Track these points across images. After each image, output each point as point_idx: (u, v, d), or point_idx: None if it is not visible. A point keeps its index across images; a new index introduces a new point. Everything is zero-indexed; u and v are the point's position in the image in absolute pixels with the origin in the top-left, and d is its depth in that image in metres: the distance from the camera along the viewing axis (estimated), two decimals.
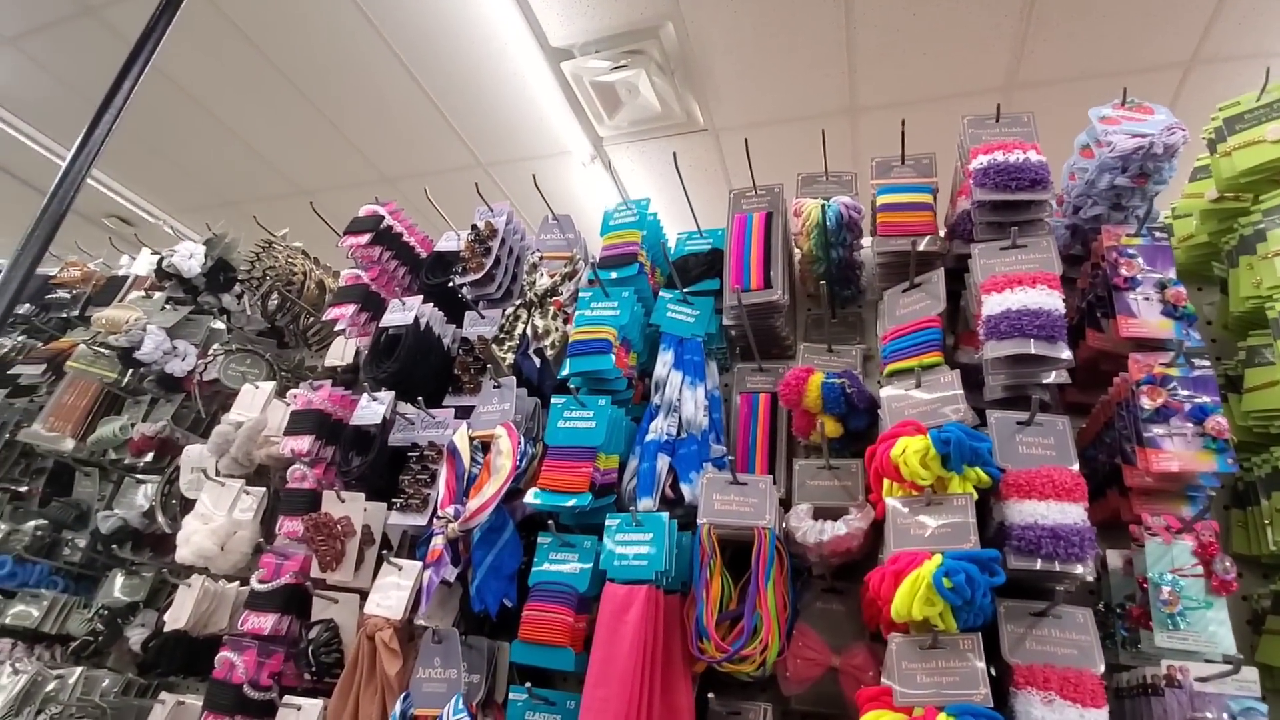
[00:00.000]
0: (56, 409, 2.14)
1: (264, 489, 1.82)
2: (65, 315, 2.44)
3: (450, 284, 1.86)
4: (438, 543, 1.41)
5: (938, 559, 1.09)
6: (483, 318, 1.84)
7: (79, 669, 1.82)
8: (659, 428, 1.52)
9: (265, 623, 1.54)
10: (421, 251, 2.08)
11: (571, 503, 1.37)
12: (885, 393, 1.32)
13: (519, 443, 1.50)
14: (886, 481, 1.27)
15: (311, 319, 2.25)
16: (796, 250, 1.70)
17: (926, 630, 1.14)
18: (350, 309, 1.83)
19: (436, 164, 5.12)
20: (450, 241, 2.03)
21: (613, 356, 1.54)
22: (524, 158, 4.82)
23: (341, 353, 2.18)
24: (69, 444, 2.10)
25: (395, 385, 1.72)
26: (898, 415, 1.27)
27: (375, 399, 1.70)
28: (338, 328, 1.88)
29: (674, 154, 1.86)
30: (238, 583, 1.77)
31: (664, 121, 4.26)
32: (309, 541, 1.53)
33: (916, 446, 1.15)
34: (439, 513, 1.45)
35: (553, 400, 1.53)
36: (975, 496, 1.16)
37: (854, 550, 1.35)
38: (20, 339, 2.43)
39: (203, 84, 4.23)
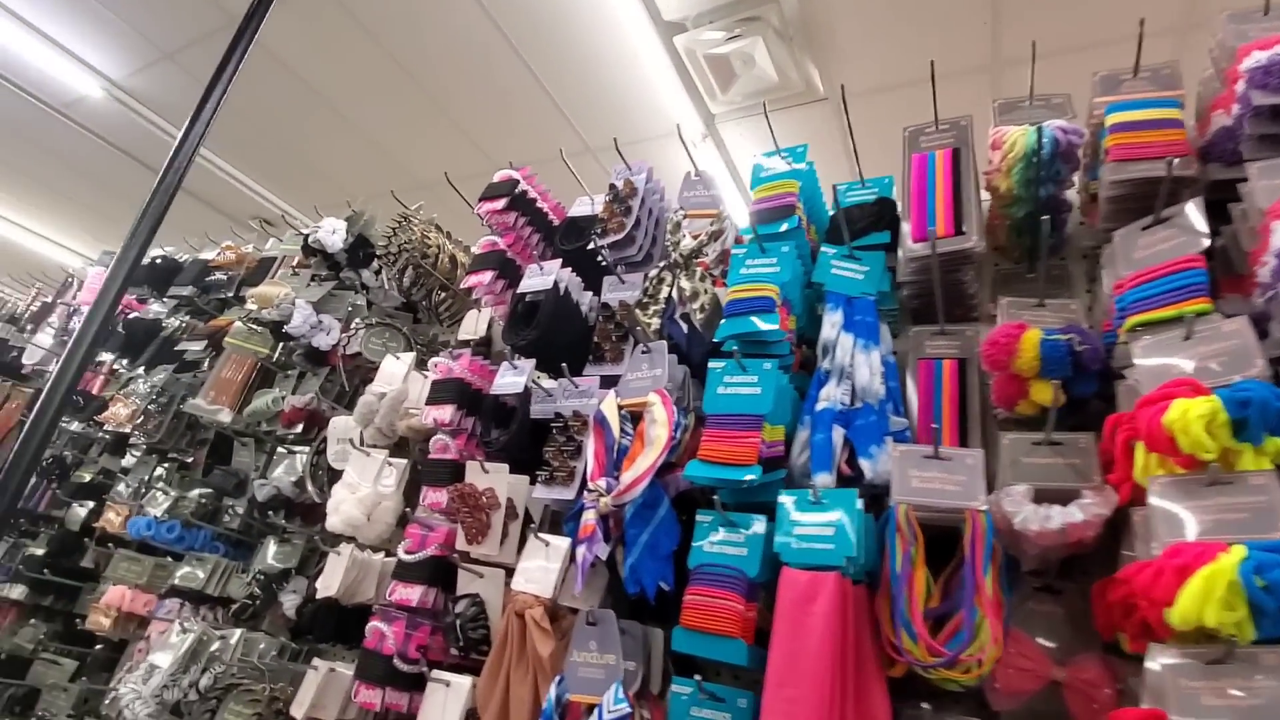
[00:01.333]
0: (216, 383, 2.25)
1: (405, 460, 1.80)
2: (223, 296, 2.57)
3: (589, 247, 1.75)
4: (589, 518, 1.30)
5: (1240, 551, 0.84)
6: (623, 282, 1.72)
7: (239, 631, 1.88)
8: (831, 396, 1.34)
9: (413, 594, 1.50)
10: (554, 218, 2.00)
11: (741, 476, 1.21)
12: (1140, 347, 1.07)
13: (674, 412, 1.37)
14: (1144, 457, 1.03)
15: (445, 293, 2.23)
16: (985, 193, 1.46)
17: (1207, 642, 0.90)
18: (487, 275, 1.77)
19: (547, 150, 5.13)
20: (584, 206, 1.93)
21: (777, 316, 1.38)
22: (634, 140, 4.72)
23: (475, 326, 2.14)
24: (227, 415, 2.20)
25: (535, 353, 1.64)
26: (1159, 375, 1.02)
27: (515, 368, 1.63)
28: (475, 295, 1.83)
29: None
30: (383, 553, 1.76)
31: (781, 92, 4.03)
32: (454, 513, 1.47)
33: (1200, 410, 0.91)
34: (589, 486, 1.34)
35: (710, 364, 1.38)
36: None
37: (1087, 541, 1.10)
38: (185, 319, 2.60)
39: (326, 79, 4.42)
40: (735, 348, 1.44)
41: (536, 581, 1.36)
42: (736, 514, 1.25)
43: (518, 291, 1.73)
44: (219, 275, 2.60)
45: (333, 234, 2.13)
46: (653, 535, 1.31)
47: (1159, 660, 0.90)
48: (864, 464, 1.26)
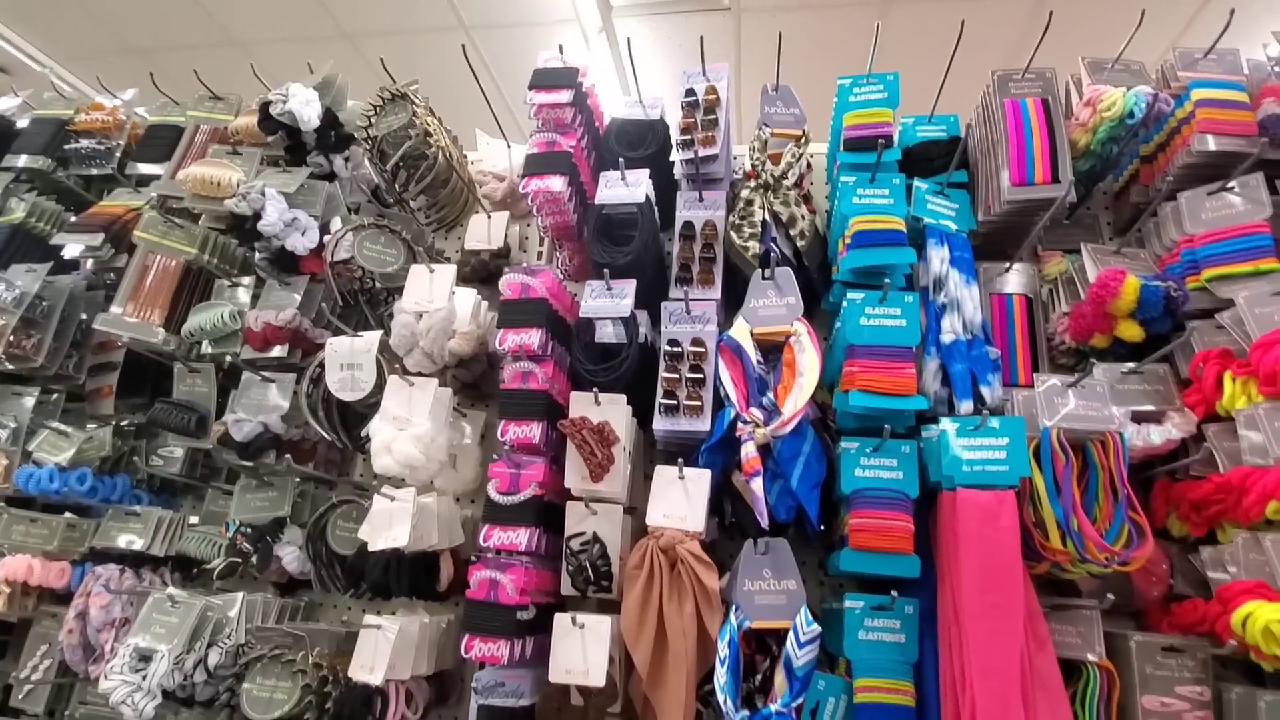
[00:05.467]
0: (136, 292, 1.72)
1: (449, 389, 1.58)
2: (97, 172, 1.92)
3: (672, 159, 1.61)
4: (751, 450, 1.28)
5: None
6: (701, 200, 1.63)
7: (239, 594, 1.57)
8: (953, 328, 1.43)
9: (519, 538, 1.37)
10: (595, 119, 1.80)
11: (910, 406, 1.27)
12: (1244, 296, 1.29)
13: (819, 340, 1.37)
14: (1231, 387, 1.28)
15: (442, 193, 1.92)
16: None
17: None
18: (558, 181, 1.55)
19: (410, 21, 4.41)
20: (634, 109, 1.76)
21: (911, 249, 1.41)
22: (518, 23, 4.27)
23: (487, 235, 1.89)
24: (159, 335, 1.71)
25: (629, 274, 1.50)
26: (1264, 321, 1.25)
27: (609, 289, 1.48)
28: (533, 203, 1.59)
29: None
30: (433, 494, 1.57)
31: None
32: (579, 448, 1.34)
33: None
34: (743, 417, 1.31)
35: (849, 295, 1.39)
36: None
37: (1163, 454, 1.36)
38: (35, 199, 1.89)
39: None
40: (848, 279, 1.48)
41: (682, 517, 1.32)
42: (891, 440, 1.31)
43: (596, 203, 1.55)
44: (87, 143, 1.93)
45: (306, 106, 1.68)
46: (805, 464, 1.33)
47: (1265, 540, 1.17)
48: (985, 391, 1.39)
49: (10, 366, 1.71)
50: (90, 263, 1.85)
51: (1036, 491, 1.26)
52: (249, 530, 1.64)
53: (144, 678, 1.37)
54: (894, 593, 1.21)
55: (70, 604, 1.65)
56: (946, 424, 1.27)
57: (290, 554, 1.66)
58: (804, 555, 1.53)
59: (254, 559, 1.60)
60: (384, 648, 1.39)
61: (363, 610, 1.69)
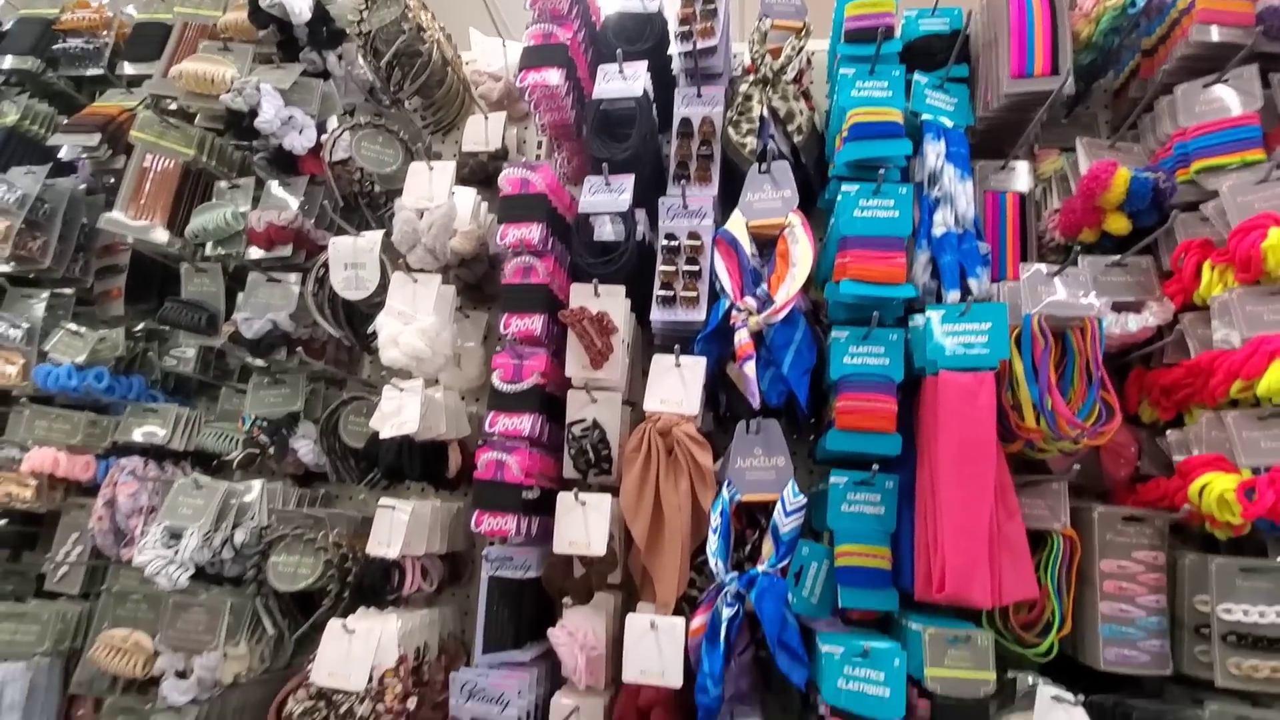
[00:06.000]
0: (137, 193, 1.73)
1: (452, 286, 1.62)
2: (86, 73, 1.89)
3: (670, 52, 1.59)
4: (744, 337, 1.34)
5: None
6: (699, 96, 1.62)
7: (258, 481, 1.65)
8: (945, 221, 1.46)
9: (522, 423, 1.44)
10: (592, 14, 1.76)
11: (899, 294, 1.32)
12: (1228, 186, 1.32)
13: (812, 231, 1.40)
14: (1209, 275, 1.32)
15: (437, 93, 1.89)
16: None
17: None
18: (555, 75, 1.54)
19: None
20: (631, 2, 1.72)
21: (908, 141, 1.43)
22: None
23: (484, 136, 1.88)
24: (162, 235, 1.73)
25: (628, 169, 1.52)
26: (1245, 209, 1.28)
27: (608, 185, 1.50)
28: (530, 97, 1.59)
29: None
30: (438, 386, 1.63)
31: None
32: (579, 337, 1.40)
33: None
34: (737, 305, 1.36)
35: (844, 187, 1.41)
36: None
37: (1140, 342, 1.42)
38: (25, 100, 1.87)
39: None
40: (844, 173, 1.50)
41: (678, 402, 1.39)
42: (879, 329, 1.36)
43: (595, 97, 1.54)
44: (75, 43, 1.89)
45: None
46: (796, 351, 1.39)
47: (1227, 418, 1.25)
48: (972, 283, 1.43)
49: (18, 269, 1.74)
50: (88, 165, 1.85)
51: (1015, 375, 1.32)
52: (265, 423, 1.71)
53: (175, 552, 1.47)
54: (875, 466, 1.29)
55: (98, 494, 1.74)
56: (932, 312, 1.32)
57: (306, 446, 1.74)
58: (793, 446, 1.61)
59: (271, 450, 1.68)
60: (399, 525, 1.48)
61: (376, 501, 1.79)
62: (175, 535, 1.52)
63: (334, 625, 1.39)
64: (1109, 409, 1.29)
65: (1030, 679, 1.29)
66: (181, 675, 1.51)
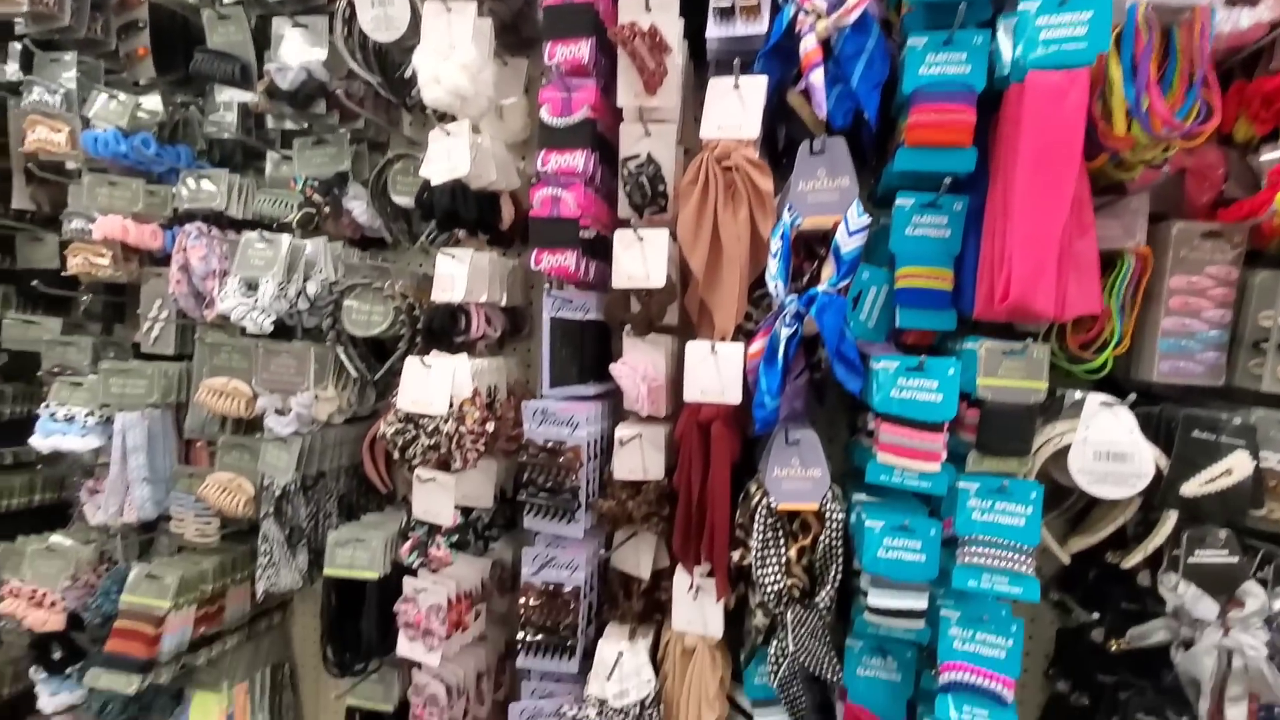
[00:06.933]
0: None
1: (489, 19, 1.50)
2: None
3: None
4: (810, 44, 1.23)
5: None
6: None
7: (320, 238, 1.69)
8: None
9: (575, 159, 1.40)
10: None
11: None
12: None
13: None
14: None
15: None
16: None
17: None
18: None
19: None
20: None
21: None
22: None
23: None
24: None
25: None
26: None
27: None
28: None
29: None
30: (483, 135, 1.58)
31: None
32: (631, 57, 1.31)
33: None
34: (804, 8, 1.24)
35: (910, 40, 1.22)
36: None
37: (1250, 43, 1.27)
38: None
39: None
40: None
41: (736, 126, 1.33)
42: (962, 31, 1.23)
43: None
44: None
45: None
46: (868, 62, 1.28)
47: None
48: None
49: (39, 31, 1.67)
50: None
51: (1109, 80, 1.20)
52: (316, 183, 1.71)
53: (255, 300, 1.55)
54: (947, 180, 1.24)
55: (170, 262, 1.81)
56: (1026, 3, 1.18)
57: (359, 207, 1.75)
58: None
59: (326, 209, 1.70)
60: (460, 272, 1.52)
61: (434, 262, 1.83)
62: (251, 286, 1.59)
63: (412, 361, 1.49)
64: (1208, 109, 1.18)
65: (1078, 393, 1.34)
66: (280, 413, 1.66)
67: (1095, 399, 1.28)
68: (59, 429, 1.80)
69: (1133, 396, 1.25)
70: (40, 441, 1.81)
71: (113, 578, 1.78)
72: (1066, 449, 1.28)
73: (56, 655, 1.83)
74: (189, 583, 1.74)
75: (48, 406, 1.83)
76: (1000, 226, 1.23)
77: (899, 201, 1.31)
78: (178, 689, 1.87)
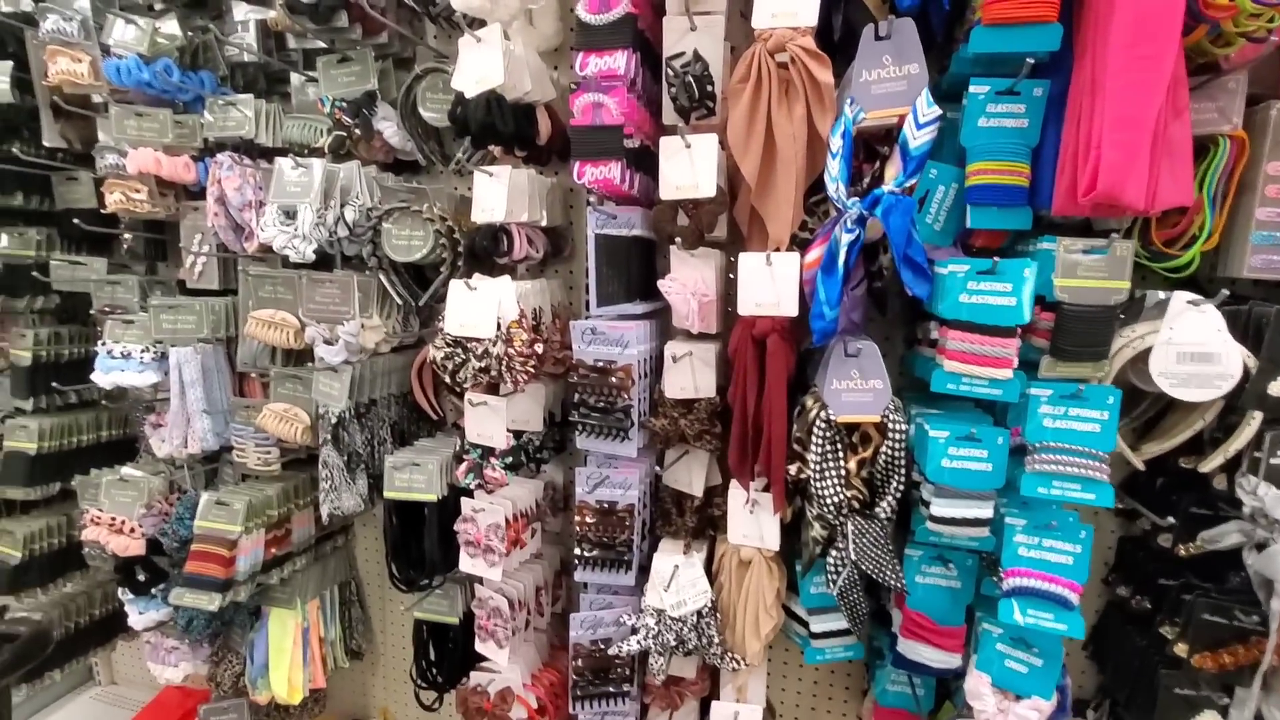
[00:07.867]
0: None
1: None
2: None
3: None
4: None
5: None
6: None
7: (352, 163, 1.64)
8: None
9: (616, 61, 1.31)
10: None
11: None
12: None
13: None
14: None
15: None
16: None
17: None
18: None
19: None
20: None
21: None
22: None
23: None
24: None
25: None
26: None
27: None
28: None
29: None
30: (515, 41, 1.48)
31: None
32: None
33: None
34: None
35: None
36: None
37: None
38: None
39: None
40: None
41: (792, 13, 1.22)
42: None
43: None
44: None
45: None
46: None
47: None
48: None
49: None
50: None
51: None
52: (344, 104, 1.65)
53: (295, 229, 1.53)
54: (1029, 61, 1.13)
55: (206, 195, 1.79)
56: None
57: (389, 128, 1.69)
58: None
59: (357, 130, 1.64)
60: (500, 190, 1.47)
61: (468, 185, 1.77)
62: (290, 215, 1.56)
63: (456, 284, 1.46)
64: None
65: (1161, 294, 1.26)
66: (329, 343, 1.66)
67: (1180, 298, 1.20)
68: (118, 365, 1.84)
69: (1224, 293, 1.17)
70: (102, 378, 1.85)
71: (184, 505, 1.85)
72: (1146, 352, 1.22)
73: (141, 577, 1.93)
74: (256, 508, 1.80)
75: (104, 344, 1.86)
76: (1087, 110, 1.13)
77: (972, 89, 1.20)
78: (256, 606, 1.98)
